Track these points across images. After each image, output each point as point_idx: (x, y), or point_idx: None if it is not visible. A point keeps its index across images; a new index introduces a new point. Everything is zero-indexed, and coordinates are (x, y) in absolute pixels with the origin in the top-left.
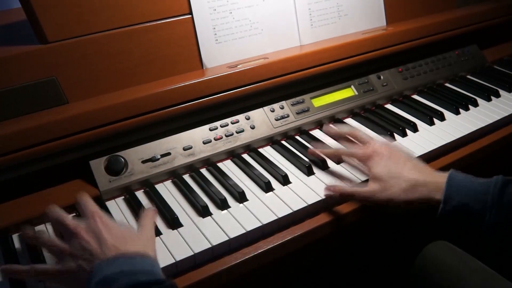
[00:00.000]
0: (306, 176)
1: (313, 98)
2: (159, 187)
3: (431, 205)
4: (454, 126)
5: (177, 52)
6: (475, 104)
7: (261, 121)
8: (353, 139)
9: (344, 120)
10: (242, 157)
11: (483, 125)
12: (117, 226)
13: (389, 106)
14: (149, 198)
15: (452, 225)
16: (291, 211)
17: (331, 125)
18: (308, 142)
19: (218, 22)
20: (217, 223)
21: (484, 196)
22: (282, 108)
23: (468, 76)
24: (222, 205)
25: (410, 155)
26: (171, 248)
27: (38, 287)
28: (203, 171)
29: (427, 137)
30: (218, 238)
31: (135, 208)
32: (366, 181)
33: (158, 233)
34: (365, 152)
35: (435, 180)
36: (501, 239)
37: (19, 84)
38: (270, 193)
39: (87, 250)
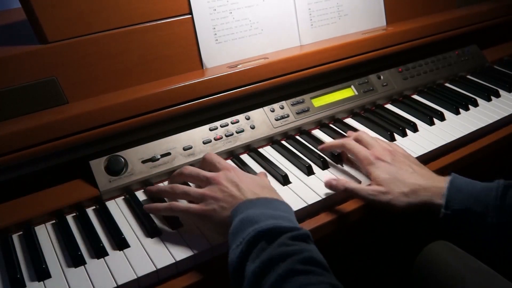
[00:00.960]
0: (306, 176)
1: (313, 98)
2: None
3: (432, 209)
4: (454, 126)
5: (177, 52)
6: (475, 104)
7: (261, 121)
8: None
9: (344, 120)
10: (242, 158)
11: (483, 125)
12: (250, 177)
13: (389, 106)
14: (149, 198)
15: (453, 228)
16: None
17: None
18: (308, 142)
19: (218, 22)
20: None
21: (486, 198)
22: (282, 108)
23: (468, 76)
24: None
25: (412, 159)
26: (171, 248)
27: None
28: None
29: (427, 137)
30: (218, 238)
31: (135, 208)
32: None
33: (158, 233)
34: (368, 156)
35: (437, 184)
36: (503, 241)
37: (19, 84)
38: None
39: (227, 193)
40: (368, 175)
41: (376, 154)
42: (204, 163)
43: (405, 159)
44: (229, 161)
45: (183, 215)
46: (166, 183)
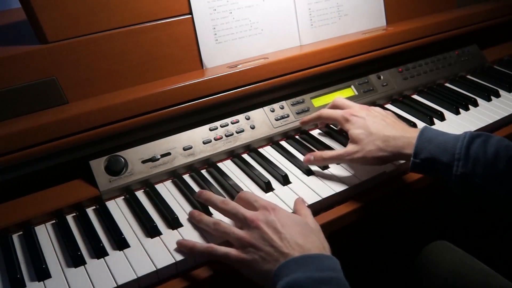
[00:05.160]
0: (306, 176)
1: (313, 98)
2: (159, 187)
3: (403, 159)
4: (454, 126)
5: (177, 52)
6: (475, 104)
7: (261, 121)
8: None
9: None
10: (242, 157)
11: (482, 125)
12: (292, 219)
13: (389, 106)
14: (149, 198)
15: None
16: (291, 211)
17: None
18: (308, 142)
19: (218, 22)
20: None
21: (453, 148)
22: (282, 108)
23: (468, 76)
24: None
25: (388, 113)
26: (171, 248)
27: None
28: (203, 171)
29: None
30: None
31: (135, 208)
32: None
33: (158, 233)
34: (344, 114)
35: (408, 135)
36: (467, 191)
37: (19, 84)
38: (270, 193)
39: (268, 242)
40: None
41: (352, 112)
42: (240, 201)
43: (379, 113)
44: (229, 161)
45: (221, 260)
46: (166, 187)
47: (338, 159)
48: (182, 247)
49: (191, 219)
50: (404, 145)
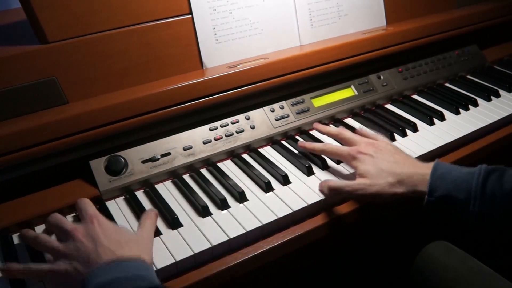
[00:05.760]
0: (306, 176)
1: (313, 98)
2: (159, 187)
3: (417, 197)
4: (454, 126)
5: (177, 52)
6: (475, 104)
7: (261, 121)
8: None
9: (344, 120)
10: (242, 157)
11: (483, 125)
12: (115, 230)
13: (389, 106)
14: (149, 198)
15: (437, 215)
16: (291, 211)
17: (319, 124)
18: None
19: (218, 22)
20: (217, 223)
21: (468, 185)
22: (282, 108)
23: (468, 76)
24: (222, 205)
25: (396, 148)
26: (171, 248)
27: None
28: (203, 171)
29: (427, 137)
30: (218, 238)
31: (135, 208)
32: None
33: (158, 233)
34: (350, 152)
35: (420, 171)
36: (485, 228)
37: (19, 84)
38: (270, 193)
39: (82, 252)
40: (354, 170)
41: (359, 149)
42: (77, 209)
43: (388, 150)
44: (229, 161)
45: (43, 279)
46: (166, 187)
47: (347, 191)
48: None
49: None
50: (417, 183)
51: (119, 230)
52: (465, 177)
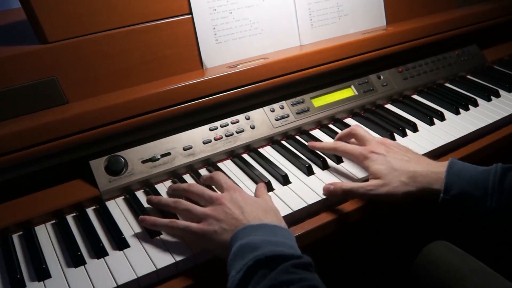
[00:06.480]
0: (306, 176)
1: (313, 98)
2: (159, 187)
3: (431, 195)
4: (454, 126)
5: (177, 52)
6: (475, 104)
7: (261, 121)
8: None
9: (344, 120)
10: (242, 157)
11: (483, 125)
12: (254, 199)
13: (389, 106)
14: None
15: (453, 213)
16: (291, 211)
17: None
18: (308, 142)
19: (218, 22)
20: None
21: (484, 182)
22: (282, 108)
23: (468, 76)
24: None
25: (406, 148)
26: (171, 248)
27: None
28: (203, 171)
29: (427, 137)
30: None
31: (135, 208)
32: (366, 180)
33: (158, 233)
34: (362, 152)
35: (435, 170)
36: (502, 225)
37: (19, 84)
38: (270, 193)
39: (229, 215)
40: (366, 171)
41: (370, 149)
42: (212, 181)
43: (400, 149)
44: (229, 161)
45: (182, 233)
46: (165, 187)
47: (360, 194)
48: (143, 223)
49: (149, 203)
50: (431, 181)
51: (257, 200)
52: (481, 174)
